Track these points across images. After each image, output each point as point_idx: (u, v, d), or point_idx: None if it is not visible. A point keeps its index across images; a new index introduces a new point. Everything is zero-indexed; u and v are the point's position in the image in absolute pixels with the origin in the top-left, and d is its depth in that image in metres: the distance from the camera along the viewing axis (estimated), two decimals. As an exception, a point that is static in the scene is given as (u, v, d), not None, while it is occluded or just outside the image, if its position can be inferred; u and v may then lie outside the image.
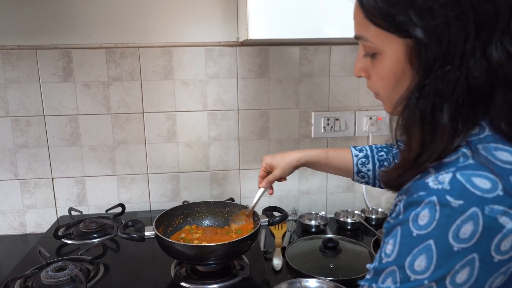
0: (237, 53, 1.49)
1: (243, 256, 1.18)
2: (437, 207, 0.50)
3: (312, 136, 1.58)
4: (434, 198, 0.51)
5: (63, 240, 1.30)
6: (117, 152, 1.51)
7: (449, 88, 0.52)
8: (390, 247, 0.55)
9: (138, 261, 1.18)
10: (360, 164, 1.04)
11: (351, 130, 1.59)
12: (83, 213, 1.50)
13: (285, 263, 1.25)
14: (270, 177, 1.10)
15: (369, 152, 1.05)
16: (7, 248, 1.42)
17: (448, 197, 0.50)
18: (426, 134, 0.55)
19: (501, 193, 0.48)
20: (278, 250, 1.31)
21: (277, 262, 1.25)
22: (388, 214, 0.62)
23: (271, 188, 1.14)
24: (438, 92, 0.53)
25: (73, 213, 1.44)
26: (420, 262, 0.51)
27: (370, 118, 1.57)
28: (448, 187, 0.50)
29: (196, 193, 1.58)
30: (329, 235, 1.42)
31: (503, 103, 0.53)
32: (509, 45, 0.51)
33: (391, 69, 0.59)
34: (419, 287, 0.51)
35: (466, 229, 0.48)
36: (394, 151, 1.02)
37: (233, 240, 1.03)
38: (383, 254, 0.56)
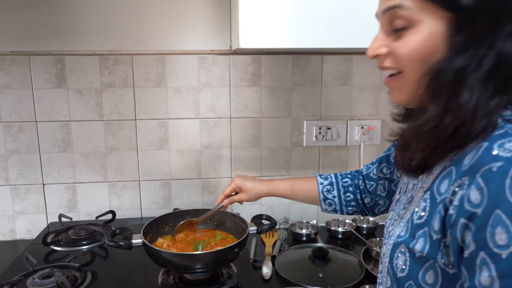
0: (230, 62, 1.49)
1: (232, 264, 1.17)
2: None
3: (304, 145, 1.59)
4: None
5: (51, 246, 1.29)
6: (109, 158, 1.52)
7: (482, 57, 0.53)
8: (501, 236, 0.48)
9: (126, 269, 1.18)
10: (326, 191, 1.06)
11: (343, 139, 1.59)
12: (74, 219, 1.50)
13: (275, 272, 1.25)
14: (236, 198, 1.13)
15: (333, 180, 1.07)
16: (-4, 254, 1.41)
17: None
18: (466, 99, 0.54)
19: None
20: (268, 259, 1.31)
21: (266, 270, 1.24)
22: (421, 209, 0.60)
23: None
24: (472, 61, 0.54)
25: (63, 219, 1.43)
26: None
27: (362, 127, 1.58)
28: None
29: (187, 200, 1.58)
30: (319, 244, 1.42)
31: None
32: None
33: (426, 41, 0.57)
34: None
35: None
36: (364, 173, 1.02)
37: (220, 248, 1.03)
38: (496, 249, 0.48)
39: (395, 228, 0.68)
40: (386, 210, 1.02)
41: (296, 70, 1.53)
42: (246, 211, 1.56)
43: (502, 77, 0.54)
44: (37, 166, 1.49)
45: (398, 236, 0.65)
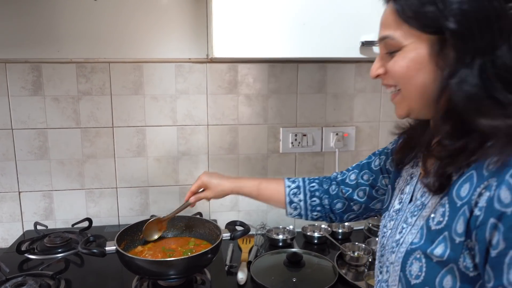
0: (206, 69, 1.52)
1: (206, 270, 1.19)
2: None
3: (281, 151, 1.61)
4: None
5: (26, 255, 1.29)
6: (86, 166, 1.52)
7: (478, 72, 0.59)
8: None
9: (101, 276, 1.19)
10: (292, 194, 1.07)
11: (318, 145, 1.63)
12: (50, 227, 1.49)
13: (250, 278, 1.27)
14: (201, 195, 1.14)
15: (301, 183, 1.08)
16: (-30, 263, 1.40)
17: None
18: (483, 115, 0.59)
19: None
20: (244, 264, 1.33)
21: (241, 276, 1.26)
22: (440, 214, 0.63)
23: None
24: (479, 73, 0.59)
25: (38, 227, 1.43)
26: None
27: (337, 134, 1.62)
28: None
29: (165, 207, 1.59)
30: (295, 249, 1.44)
31: None
32: None
33: (412, 61, 0.65)
34: None
35: None
36: (339, 179, 1.05)
37: (193, 255, 1.04)
38: None
39: (405, 235, 0.70)
40: (356, 218, 1.04)
41: (271, 78, 1.56)
42: (223, 217, 1.58)
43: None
44: (13, 174, 1.48)
45: (411, 243, 0.67)
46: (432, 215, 0.65)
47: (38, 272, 1.15)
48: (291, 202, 1.06)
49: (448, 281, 0.60)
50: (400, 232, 0.72)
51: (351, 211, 1.02)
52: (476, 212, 0.56)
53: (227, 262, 1.37)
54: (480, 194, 0.56)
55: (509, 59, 0.59)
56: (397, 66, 0.67)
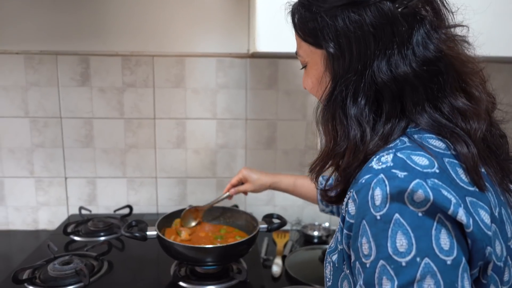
0: (247, 65, 1.54)
1: (242, 260, 1.21)
2: (386, 182, 0.51)
3: (318, 148, 1.60)
4: (381, 175, 0.52)
5: (71, 236, 1.36)
6: (128, 155, 1.57)
7: (355, 88, 0.59)
8: (365, 246, 0.51)
9: (141, 260, 1.23)
10: None
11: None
12: (93, 212, 1.56)
13: (284, 271, 1.27)
14: (241, 188, 1.22)
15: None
16: (19, 243, 1.48)
17: (394, 170, 0.51)
18: (340, 128, 0.61)
19: (437, 170, 0.52)
20: (279, 258, 1.34)
21: (276, 269, 1.27)
22: (340, 220, 0.61)
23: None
24: (345, 92, 0.60)
25: (83, 211, 1.50)
26: (401, 241, 0.48)
27: (376, 132, 1.59)
28: (391, 164, 0.52)
29: (202, 198, 1.62)
30: (330, 246, 1.44)
31: (412, 105, 0.58)
32: (395, 64, 0.58)
33: (314, 76, 0.67)
34: (414, 268, 0.47)
35: (419, 196, 0.49)
36: None
37: (230, 243, 1.06)
38: (363, 259, 0.52)
39: (332, 239, 0.71)
40: None
41: (311, 74, 1.55)
42: (259, 211, 1.59)
43: (387, 104, 0.58)
44: (60, 160, 1.56)
45: (329, 247, 0.68)
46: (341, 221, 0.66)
47: (83, 253, 1.21)
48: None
49: (345, 286, 0.61)
50: None
51: None
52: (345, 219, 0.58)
53: (262, 255, 1.38)
54: (347, 204, 0.57)
55: (385, 75, 0.57)
56: (305, 83, 0.71)
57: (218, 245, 1.07)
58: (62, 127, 1.53)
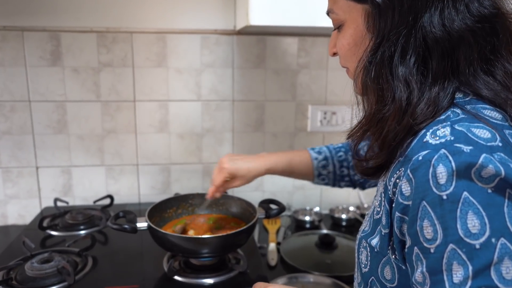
0: (233, 42, 1.44)
1: (238, 250, 1.13)
2: (450, 158, 0.45)
3: (308, 130, 1.55)
4: (442, 151, 0.46)
5: (48, 231, 1.23)
6: (106, 141, 1.45)
7: (403, 45, 0.53)
8: (428, 229, 0.46)
9: (128, 254, 1.13)
10: (321, 167, 1.03)
11: (348, 125, 1.55)
12: (70, 204, 1.44)
13: (280, 259, 1.22)
14: (230, 186, 1.01)
15: (328, 154, 1.04)
16: (-14, 240, 1.35)
17: (457, 145, 0.46)
18: (386, 88, 0.54)
19: (500, 144, 0.46)
20: (273, 246, 1.28)
21: (272, 257, 1.21)
22: (385, 201, 0.55)
23: None
24: (393, 48, 0.53)
25: (59, 203, 1.37)
26: (472, 222, 0.43)
27: (367, 112, 1.55)
28: (452, 137, 0.47)
29: (187, 185, 1.53)
30: (325, 231, 1.39)
31: (465, 65, 0.53)
32: (449, 19, 0.52)
33: (352, 36, 0.60)
34: (490, 250, 0.42)
35: (488, 171, 0.44)
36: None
37: (229, 233, 0.98)
38: (425, 244, 0.46)
39: (364, 222, 0.67)
40: (375, 185, 0.99)
41: (301, 52, 1.48)
42: (248, 198, 1.51)
43: (436, 63, 0.53)
44: (30, 148, 1.42)
45: (363, 231, 0.64)
46: (376, 203, 0.61)
47: (64, 249, 1.10)
48: (319, 175, 1.04)
49: (388, 272, 0.57)
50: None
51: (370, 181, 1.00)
52: (394, 203, 0.52)
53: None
54: (395, 184, 0.52)
55: (438, 30, 0.52)
56: (339, 45, 0.63)
57: (216, 235, 0.99)
58: (31, 111, 1.39)
